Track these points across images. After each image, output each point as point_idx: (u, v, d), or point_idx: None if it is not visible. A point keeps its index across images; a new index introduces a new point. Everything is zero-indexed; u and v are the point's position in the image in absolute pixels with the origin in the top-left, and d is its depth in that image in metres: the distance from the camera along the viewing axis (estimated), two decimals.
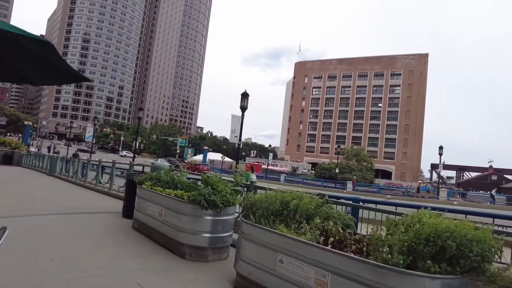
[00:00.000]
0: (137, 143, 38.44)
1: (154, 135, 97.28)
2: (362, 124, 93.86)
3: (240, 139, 15.46)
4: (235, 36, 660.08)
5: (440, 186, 71.88)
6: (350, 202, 6.24)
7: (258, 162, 74.22)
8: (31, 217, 6.36)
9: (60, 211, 7.19)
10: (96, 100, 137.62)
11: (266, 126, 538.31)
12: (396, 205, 8.21)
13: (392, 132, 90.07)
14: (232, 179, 5.02)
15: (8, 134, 76.60)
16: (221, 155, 64.20)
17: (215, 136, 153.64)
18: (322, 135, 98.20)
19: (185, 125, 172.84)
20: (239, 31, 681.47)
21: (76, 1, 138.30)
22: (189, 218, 4.53)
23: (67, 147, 44.68)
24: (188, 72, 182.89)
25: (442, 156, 37.09)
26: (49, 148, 54.70)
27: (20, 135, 61.66)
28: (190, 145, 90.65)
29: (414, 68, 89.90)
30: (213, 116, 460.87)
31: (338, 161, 45.16)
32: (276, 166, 70.15)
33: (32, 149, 46.50)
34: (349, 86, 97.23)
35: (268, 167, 50.09)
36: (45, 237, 5.07)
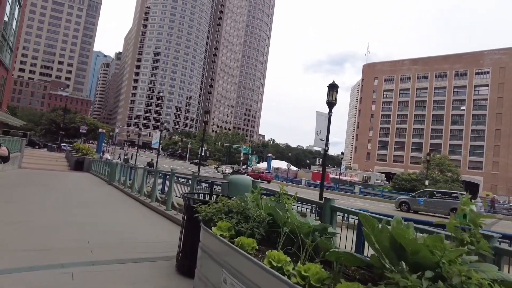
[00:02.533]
0: (203, 149, 37.21)
1: (219, 143, 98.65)
2: (442, 129, 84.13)
3: (327, 143, 12.11)
4: (297, 44, 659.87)
5: None
6: None
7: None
8: (18, 274, 3.49)
9: (80, 256, 4.22)
10: (166, 110, 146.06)
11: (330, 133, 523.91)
12: None
13: (479, 138, 79.03)
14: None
15: (90, 141, 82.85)
16: (286, 163, 60.99)
17: (277, 143, 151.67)
18: (395, 142, 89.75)
19: (248, 132, 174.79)
20: (300, 38, 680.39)
21: (148, 19, 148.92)
22: None
23: (136, 153, 45.27)
24: (251, 81, 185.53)
25: None
26: (124, 155, 56.67)
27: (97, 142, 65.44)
28: (254, 152, 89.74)
29: (506, 64, 77.87)
30: (274, 123, 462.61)
31: (427, 171, 38.98)
32: (345, 176, 64.79)
33: (108, 156, 48.23)
34: (425, 88, 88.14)
35: (340, 177, 45.54)
36: None
